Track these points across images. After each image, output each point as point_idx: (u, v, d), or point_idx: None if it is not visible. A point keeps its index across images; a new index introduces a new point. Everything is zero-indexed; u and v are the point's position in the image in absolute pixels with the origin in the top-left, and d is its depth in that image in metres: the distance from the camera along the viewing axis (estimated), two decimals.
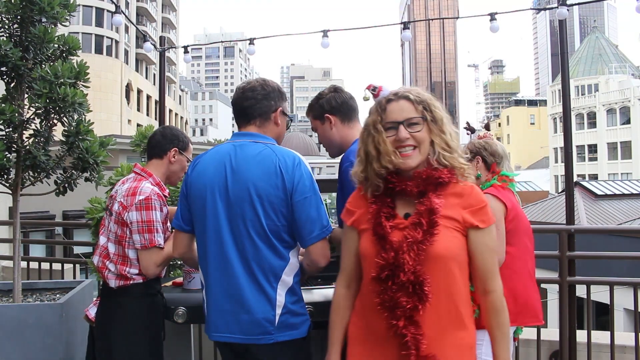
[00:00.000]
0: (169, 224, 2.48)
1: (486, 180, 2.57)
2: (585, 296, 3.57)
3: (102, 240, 2.41)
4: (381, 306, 1.52)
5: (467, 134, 3.05)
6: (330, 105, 2.27)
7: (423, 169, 1.59)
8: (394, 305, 1.49)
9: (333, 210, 2.76)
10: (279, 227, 1.86)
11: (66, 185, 3.36)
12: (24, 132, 3.20)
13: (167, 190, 2.51)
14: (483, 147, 2.62)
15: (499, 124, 75.14)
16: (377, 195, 1.62)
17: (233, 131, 2.35)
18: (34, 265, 5.03)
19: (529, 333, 3.65)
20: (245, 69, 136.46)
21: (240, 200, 1.86)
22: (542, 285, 4.09)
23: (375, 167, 1.60)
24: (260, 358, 1.85)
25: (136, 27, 6.74)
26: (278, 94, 2.03)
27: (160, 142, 2.50)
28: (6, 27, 3.16)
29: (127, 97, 39.52)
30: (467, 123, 2.87)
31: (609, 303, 3.50)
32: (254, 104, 2.00)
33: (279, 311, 1.84)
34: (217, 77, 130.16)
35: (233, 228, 1.86)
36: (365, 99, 1.63)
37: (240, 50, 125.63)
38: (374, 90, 1.62)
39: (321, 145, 2.43)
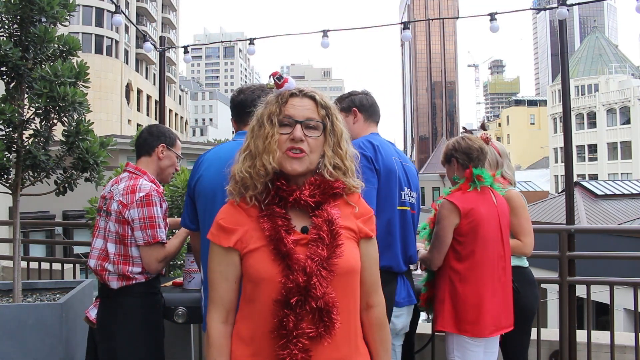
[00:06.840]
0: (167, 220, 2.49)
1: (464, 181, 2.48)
2: (585, 296, 3.57)
3: (99, 242, 2.39)
4: (277, 333, 1.31)
5: None
6: (361, 103, 2.48)
7: (318, 178, 1.43)
8: (292, 332, 1.30)
9: None
10: None
11: (66, 185, 3.36)
12: (24, 132, 3.19)
13: (162, 188, 2.52)
14: (455, 148, 2.53)
15: (499, 124, 75.15)
16: (267, 206, 1.40)
17: (233, 131, 2.35)
18: (34, 265, 5.01)
19: None
20: (245, 69, 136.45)
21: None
22: (542, 285, 4.09)
23: (261, 163, 1.40)
24: None
25: (136, 27, 6.73)
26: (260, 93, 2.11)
27: (147, 140, 2.52)
28: (6, 27, 3.16)
29: (127, 97, 39.52)
30: (464, 128, 2.77)
31: (609, 303, 3.50)
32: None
33: None
34: (217, 77, 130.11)
35: None
36: (270, 86, 1.45)
37: (240, 50, 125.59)
38: (279, 80, 1.43)
39: None
